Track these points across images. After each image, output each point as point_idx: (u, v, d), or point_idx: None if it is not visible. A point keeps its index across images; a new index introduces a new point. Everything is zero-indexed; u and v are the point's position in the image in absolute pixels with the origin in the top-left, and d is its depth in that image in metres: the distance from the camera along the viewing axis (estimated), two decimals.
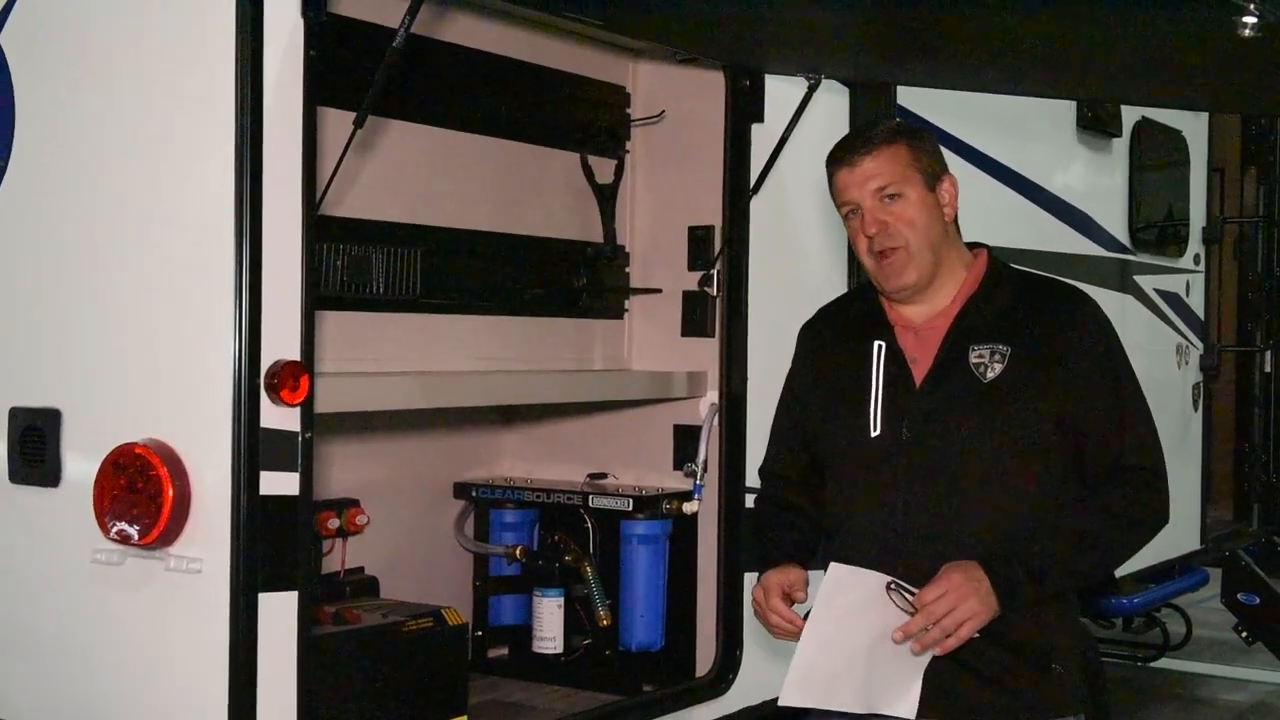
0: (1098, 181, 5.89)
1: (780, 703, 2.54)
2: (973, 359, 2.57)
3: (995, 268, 2.70)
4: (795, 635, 2.55)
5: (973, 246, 2.75)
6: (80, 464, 2.93)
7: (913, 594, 2.44)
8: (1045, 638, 2.57)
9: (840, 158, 2.65)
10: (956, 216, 2.71)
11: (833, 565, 2.51)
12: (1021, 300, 2.64)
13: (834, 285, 4.17)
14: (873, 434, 2.60)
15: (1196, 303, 6.70)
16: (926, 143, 2.67)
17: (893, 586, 2.46)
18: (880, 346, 2.64)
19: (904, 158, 2.61)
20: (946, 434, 2.56)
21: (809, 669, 2.50)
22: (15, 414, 3.03)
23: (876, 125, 2.72)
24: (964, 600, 2.41)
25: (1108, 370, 2.59)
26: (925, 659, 2.47)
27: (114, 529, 2.81)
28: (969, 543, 2.51)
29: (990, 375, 2.56)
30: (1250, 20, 2.51)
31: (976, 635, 2.47)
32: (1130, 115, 5.96)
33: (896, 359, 2.64)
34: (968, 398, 2.56)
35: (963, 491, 2.54)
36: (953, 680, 2.53)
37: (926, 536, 2.53)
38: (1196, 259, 6.70)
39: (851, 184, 2.61)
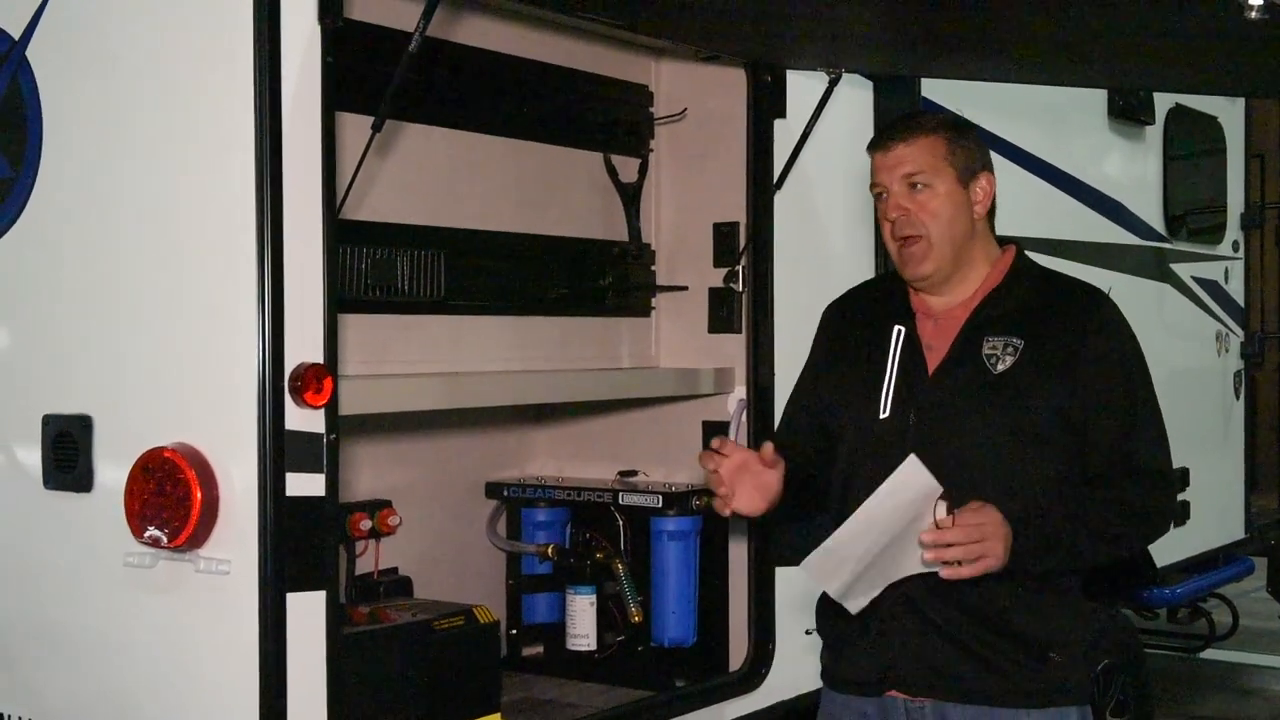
0: (1131, 169, 5.84)
1: (800, 566, 2.51)
2: (985, 350, 2.59)
3: (1020, 264, 2.71)
4: (717, 483, 2.55)
5: (1005, 242, 2.76)
6: (111, 469, 2.98)
7: (954, 513, 2.41)
8: (1044, 627, 2.58)
9: (877, 141, 2.69)
10: (992, 214, 2.72)
11: (911, 457, 2.43)
12: (1041, 296, 2.66)
13: (860, 278, 4.14)
14: (882, 416, 2.63)
15: (1236, 289, 6.64)
16: (969, 139, 2.69)
17: (942, 496, 2.41)
18: (899, 332, 2.67)
19: (940, 150, 2.62)
20: (952, 423, 2.57)
21: (838, 549, 2.48)
22: (48, 421, 3.09)
23: (924, 115, 2.75)
24: (994, 538, 2.40)
25: (1120, 372, 2.60)
26: (898, 573, 2.45)
27: (145, 532, 2.85)
28: None
29: (1000, 367, 2.57)
30: (1256, 2, 2.51)
31: (971, 617, 2.46)
32: (1163, 102, 5.91)
33: (913, 346, 2.66)
34: (976, 388, 2.57)
35: (964, 481, 2.53)
36: (952, 663, 2.56)
37: None
38: (1235, 245, 6.64)
39: (882, 168, 2.64)
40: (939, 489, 2.42)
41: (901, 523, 2.44)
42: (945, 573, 2.42)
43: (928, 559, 2.42)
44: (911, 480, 2.44)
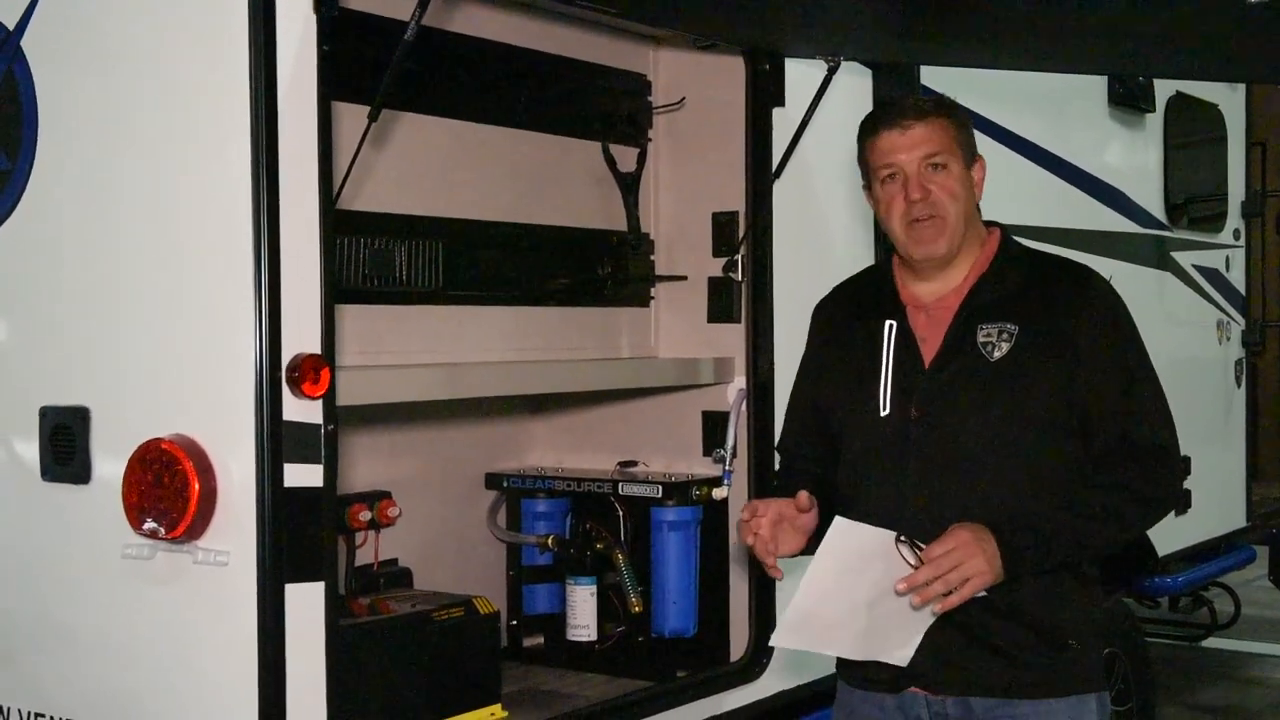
0: (1131, 157, 5.83)
1: (771, 643, 2.56)
2: (980, 338, 2.58)
3: (1006, 247, 2.70)
4: (765, 553, 2.56)
5: (988, 225, 2.75)
6: (109, 461, 2.97)
7: (921, 549, 2.44)
8: (1061, 615, 2.57)
9: (890, 120, 2.62)
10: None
11: (837, 518, 2.50)
12: (1031, 280, 2.64)
13: (859, 267, 4.14)
14: (882, 413, 2.61)
15: (1237, 278, 6.63)
16: (968, 122, 2.70)
17: (901, 540, 2.45)
18: (891, 326, 2.65)
19: (951, 131, 2.63)
20: (953, 414, 2.56)
21: (804, 616, 2.51)
22: (45, 413, 3.08)
23: (926, 98, 2.74)
24: (971, 558, 2.41)
25: (1116, 348, 2.58)
26: (928, 617, 2.48)
27: (143, 524, 2.84)
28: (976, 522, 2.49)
29: (996, 355, 2.56)
30: None
31: (989, 611, 2.46)
32: (1163, 90, 5.90)
33: (907, 339, 2.64)
34: (974, 378, 2.56)
35: (969, 471, 2.54)
36: (968, 655, 2.55)
37: (934, 516, 2.52)
38: (1236, 234, 6.63)
39: (900, 147, 2.59)
40: (892, 535, 2.45)
41: (878, 583, 2.45)
42: (937, 607, 2.44)
43: (915, 604, 2.44)
44: (847, 536, 2.46)
